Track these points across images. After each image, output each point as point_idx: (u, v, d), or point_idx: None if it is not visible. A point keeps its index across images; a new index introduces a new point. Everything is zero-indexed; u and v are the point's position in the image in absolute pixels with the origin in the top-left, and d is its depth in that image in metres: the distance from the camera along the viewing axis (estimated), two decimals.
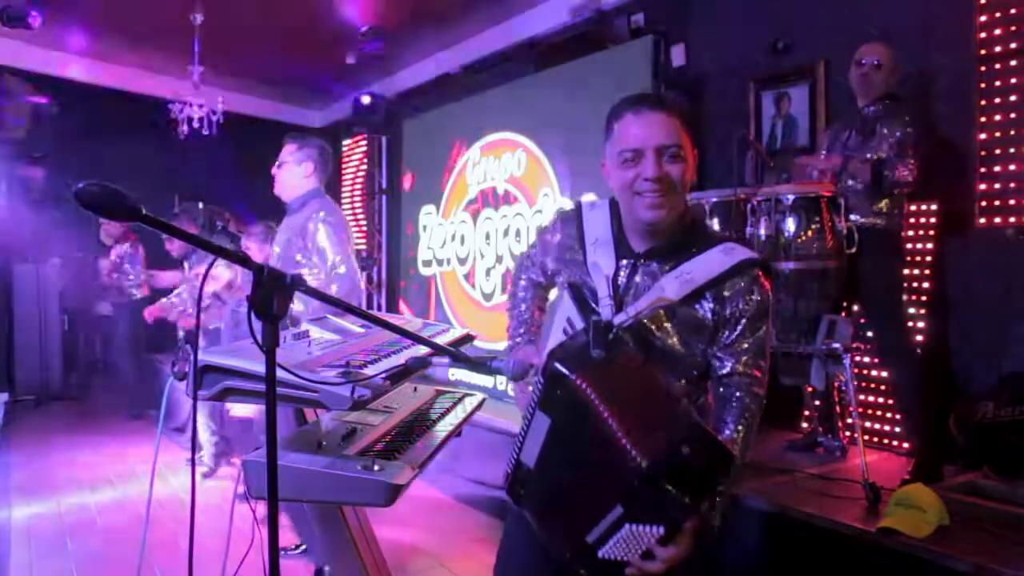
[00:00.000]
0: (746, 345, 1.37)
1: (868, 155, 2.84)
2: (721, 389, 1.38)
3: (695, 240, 1.42)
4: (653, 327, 1.38)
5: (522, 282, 1.70)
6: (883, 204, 2.84)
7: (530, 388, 1.30)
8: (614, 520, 1.12)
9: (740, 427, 1.35)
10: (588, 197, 3.39)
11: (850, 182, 2.86)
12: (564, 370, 1.18)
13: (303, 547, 2.99)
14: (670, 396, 1.24)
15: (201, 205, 6.70)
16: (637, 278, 1.40)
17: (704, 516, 1.17)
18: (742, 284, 1.36)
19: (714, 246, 1.39)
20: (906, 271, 3.12)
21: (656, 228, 1.38)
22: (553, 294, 1.72)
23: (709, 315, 1.36)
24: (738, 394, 1.36)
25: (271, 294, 1.06)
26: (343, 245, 2.82)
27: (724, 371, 1.37)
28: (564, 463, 1.22)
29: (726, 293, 1.36)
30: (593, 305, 1.41)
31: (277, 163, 2.99)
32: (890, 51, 2.91)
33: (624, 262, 1.42)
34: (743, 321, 1.36)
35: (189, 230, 4.22)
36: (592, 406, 1.13)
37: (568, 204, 4.60)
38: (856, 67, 2.95)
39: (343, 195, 7.61)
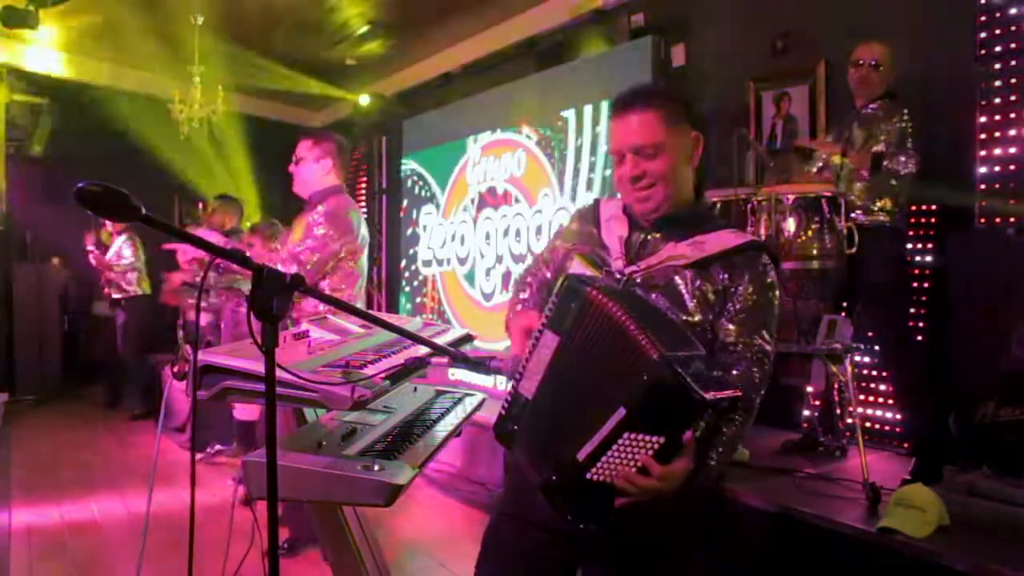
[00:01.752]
0: (753, 319, 1.37)
1: (868, 148, 2.85)
2: (727, 358, 1.36)
3: (705, 219, 1.48)
4: (666, 297, 1.37)
5: (528, 279, 1.69)
6: (887, 202, 2.84)
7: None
8: (613, 427, 1.09)
9: (743, 386, 1.32)
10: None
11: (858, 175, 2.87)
12: (579, 283, 1.20)
13: (284, 547, 2.98)
14: (680, 324, 1.30)
15: (200, 205, 6.72)
16: (648, 247, 1.43)
17: (702, 445, 1.14)
18: (752, 260, 1.39)
19: (722, 228, 1.43)
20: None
21: (651, 218, 1.44)
22: None
23: (718, 283, 1.37)
24: (743, 362, 1.35)
25: (271, 294, 1.05)
26: (319, 245, 2.80)
27: (729, 339, 1.37)
28: (569, 385, 1.20)
29: (736, 266, 1.38)
30: (601, 261, 1.46)
31: (294, 160, 2.95)
32: (888, 50, 2.91)
33: (636, 233, 1.46)
34: (753, 297, 1.37)
35: (228, 223, 4.20)
36: (609, 314, 1.14)
37: (569, 205, 4.60)
38: (854, 68, 2.95)
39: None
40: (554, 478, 1.18)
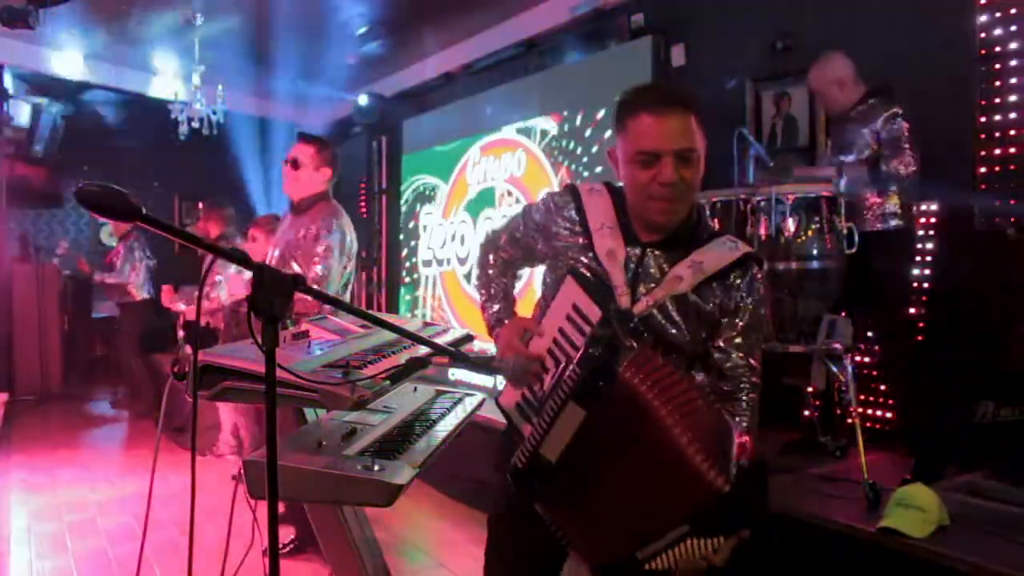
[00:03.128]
0: (748, 338, 1.39)
1: (866, 152, 2.85)
2: (726, 383, 1.39)
3: (700, 228, 1.44)
4: (661, 317, 1.37)
5: (491, 258, 1.62)
6: (893, 203, 2.83)
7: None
8: (675, 538, 1.12)
9: (748, 422, 1.36)
10: None
11: (850, 187, 2.86)
12: (612, 363, 1.14)
13: (289, 546, 2.98)
14: (707, 398, 1.27)
15: (201, 205, 6.71)
16: (646, 265, 1.39)
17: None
18: (747, 277, 1.39)
19: (717, 238, 1.42)
20: None
21: (667, 225, 1.39)
22: (529, 274, 1.68)
23: (715, 302, 1.38)
24: (743, 387, 1.38)
25: (271, 294, 1.05)
26: (329, 256, 2.80)
27: (728, 364, 1.39)
28: (599, 460, 1.17)
29: (734, 284, 1.38)
30: (604, 292, 1.37)
31: (292, 161, 2.93)
32: (833, 63, 2.94)
33: (632, 249, 1.40)
34: (747, 314, 1.38)
35: (213, 231, 4.21)
36: (644, 402, 1.10)
37: None
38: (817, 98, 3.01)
39: (343, 195, 7.61)
40: (611, 569, 1.20)
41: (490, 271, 1.62)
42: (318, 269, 2.77)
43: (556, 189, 4.72)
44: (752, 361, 1.39)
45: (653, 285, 1.37)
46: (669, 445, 1.08)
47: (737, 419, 1.36)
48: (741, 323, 1.38)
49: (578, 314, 1.34)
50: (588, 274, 1.39)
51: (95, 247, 6.67)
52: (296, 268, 2.81)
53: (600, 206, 1.44)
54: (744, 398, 1.38)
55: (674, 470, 1.09)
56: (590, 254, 1.41)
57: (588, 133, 4.51)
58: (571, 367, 1.20)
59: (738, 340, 1.38)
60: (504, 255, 1.61)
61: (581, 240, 1.43)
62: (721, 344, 1.39)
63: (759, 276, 1.41)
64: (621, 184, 1.43)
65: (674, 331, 1.37)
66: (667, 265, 1.38)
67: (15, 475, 4.30)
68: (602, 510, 1.19)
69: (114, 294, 5.94)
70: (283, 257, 2.87)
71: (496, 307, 1.57)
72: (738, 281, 1.38)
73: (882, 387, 3.29)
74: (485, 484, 3.84)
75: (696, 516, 1.10)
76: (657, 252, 1.39)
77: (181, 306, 4.79)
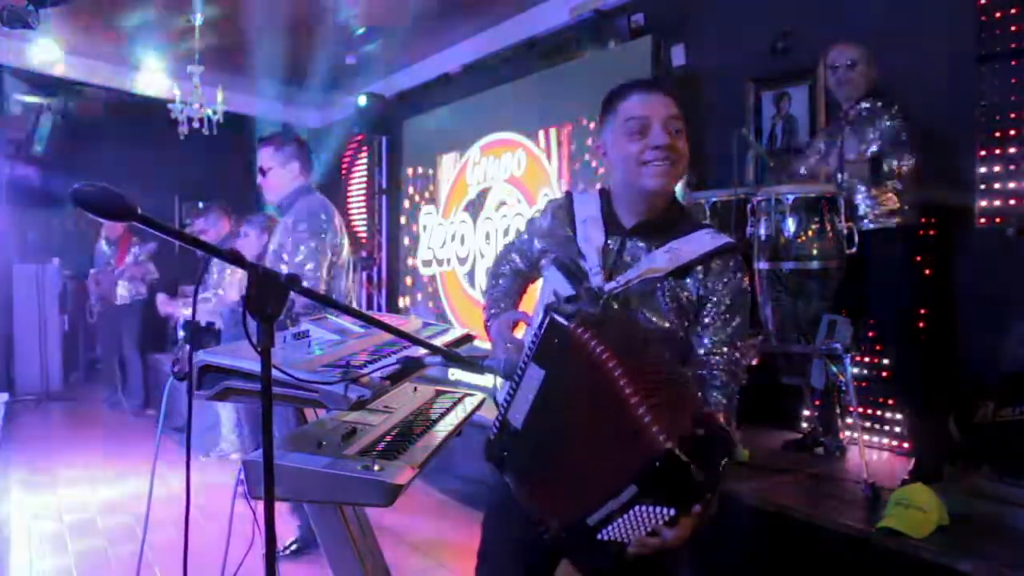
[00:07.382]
0: (728, 327, 1.39)
1: (863, 151, 2.84)
2: (703, 370, 1.38)
3: (681, 221, 1.47)
4: (639, 303, 1.39)
5: (502, 268, 1.68)
6: (893, 202, 2.82)
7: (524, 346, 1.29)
8: (624, 502, 1.09)
9: (723, 405, 1.35)
10: None
11: (858, 185, 2.86)
12: (562, 319, 1.17)
13: (291, 547, 2.98)
14: (670, 362, 1.27)
15: (201, 205, 6.71)
16: (625, 255, 1.42)
17: (709, 500, 1.15)
18: (726, 266, 1.40)
19: (698, 229, 1.44)
20: None
21: (657, 198, 1.42)
22: (535, 287, 1.70)
23: (694, 292, 1.39)
24: (718, 373, 1.37)
25: (266, 294, 1.05)
26: (298, 250, 2.74)
27: (703, 351, 1.39)
28: (557, 422, 1.19)
29: (712, 272, 1.39)
30: (580, 275, 1.43)
31: (261, 171, 2.89)
32: (861, 49, 2.90)
33: (613, 239, 1.44)
34: (726, 302, 1.39)
35: (221, 225, 4.20)
36: (596, 358, 1.11)
37: None
38: (831, 72, 2.96)
39: (343, 195, 7.62)
40: (564, 535, 1.18)
41: (499, 271, 1.67)
42: (297, 258, 2.73)
43: (556, 189, 4.75)
44: (731, 350, 1.38)
45: (630, 270, 1.39)
46: (615, 396, 1.08)
47: (710, 403, 1.34)
48: (719, 311, 1.38)
49: (559, 298, 1.37)
50: (569, 264, 1.45)
51: (95, 247, 6.66)
52: (283, 266, 2.79)
53: (588, 203, 1.51)
54: (717, 384, 1.36)
55: (620, 424, 1.08)
56: (573, 245, 1.47)
57: (588, 134, 4.51)
58: (532, 331, 1.22)
59: (716, 327, 1.38)
60: (514, 265, 1.66)
61: (568, 233, 1.49)
62: (700, 332, 1.40)
63: (740, 267, 1.42)
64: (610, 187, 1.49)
65: (654, 318, 1.38)
66: (645, 252, 1.41)
67: (15, 475, 4.30)
68: (559, 473, 1.19)
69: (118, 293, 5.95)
70: (274, 261, 2.84)
71: (494, 310, 1.61)
72: (717, 268, 1.39)
73: (882, 387, 3.29)
74: (485, 484, 3.85)
75: (644, 477, 1.06)
76: (636, 240, 1.43)
77: (180, 310, 4.78)
